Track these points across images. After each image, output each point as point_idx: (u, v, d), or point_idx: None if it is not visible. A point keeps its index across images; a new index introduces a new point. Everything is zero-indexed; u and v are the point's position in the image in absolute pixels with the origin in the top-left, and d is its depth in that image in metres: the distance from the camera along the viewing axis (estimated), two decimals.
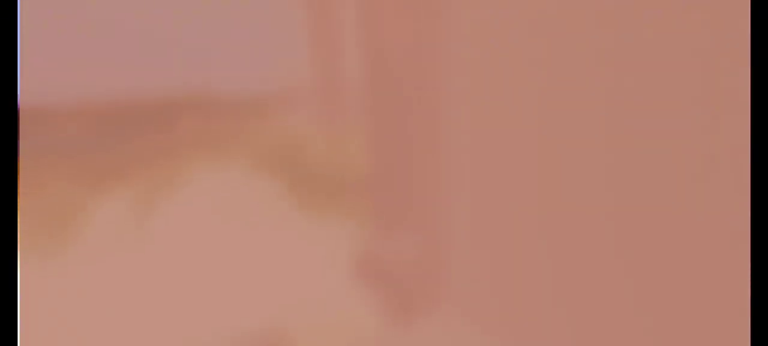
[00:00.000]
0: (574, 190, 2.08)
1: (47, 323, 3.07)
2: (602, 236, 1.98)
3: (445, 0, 2.74)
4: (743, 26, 1.31)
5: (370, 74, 2.74)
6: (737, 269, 1.47)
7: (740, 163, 1.40)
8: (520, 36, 2.24)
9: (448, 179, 2.96)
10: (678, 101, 1.62)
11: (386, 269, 2.99)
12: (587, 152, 1.99)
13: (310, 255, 4.15)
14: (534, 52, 2.18)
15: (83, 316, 3.16)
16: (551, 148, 2.16)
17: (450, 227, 3.02)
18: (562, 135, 2.09)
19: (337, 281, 3.51)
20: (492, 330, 2.69)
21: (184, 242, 4.73)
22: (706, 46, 1.50)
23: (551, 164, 2.17)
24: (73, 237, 4.92)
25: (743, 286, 1.44)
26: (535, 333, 2.39)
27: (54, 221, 5.22)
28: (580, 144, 2.02)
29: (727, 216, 1.50)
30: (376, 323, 2.85)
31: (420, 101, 2.81)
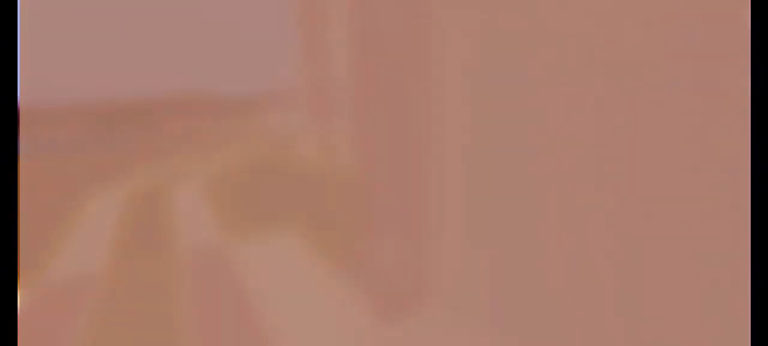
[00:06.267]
0: (563, 191, 2.07)
1: (47, 322, 3.07)
2: (591, 236, 1.98)
3: (434, 2, 2.74)
4: (743, 26, 1.32)
5: (359, 77, 2.75)
6: (737, 269, 1.47)
7: (740, 163, 1.40)
8: (511, 37, 2.23)
9: (436, 179, 2.96)
10: (677, 101, 1.62)
11: (374, 268, 2.99)
12: (577, 154, 1.99)
13: (299, 255, 4.16)
14: (526, 52, 2.17)
15: (81, 314, 3.16)
16: (542, 149, 2.16)
17: (438, 227, 3.02)
18: (554, 136, 2.09)
19: (325, 280, 3.52)
20: (479, 329, 2.69)
21: (174, 241, 4.73)
22: (706, 46, 1.50)
23: (541, 166, 2.17)
24: (72, 235, 4.92)
25: (743, 286, 1.44)
26: (523, 332, 2.39)
27: (54, 220, 5.22)
28: (571, 146, 2.01)
29: (727, 216, 1.49)
30: (363, 321, 2.85)
31: (408, 103, 2.82)
